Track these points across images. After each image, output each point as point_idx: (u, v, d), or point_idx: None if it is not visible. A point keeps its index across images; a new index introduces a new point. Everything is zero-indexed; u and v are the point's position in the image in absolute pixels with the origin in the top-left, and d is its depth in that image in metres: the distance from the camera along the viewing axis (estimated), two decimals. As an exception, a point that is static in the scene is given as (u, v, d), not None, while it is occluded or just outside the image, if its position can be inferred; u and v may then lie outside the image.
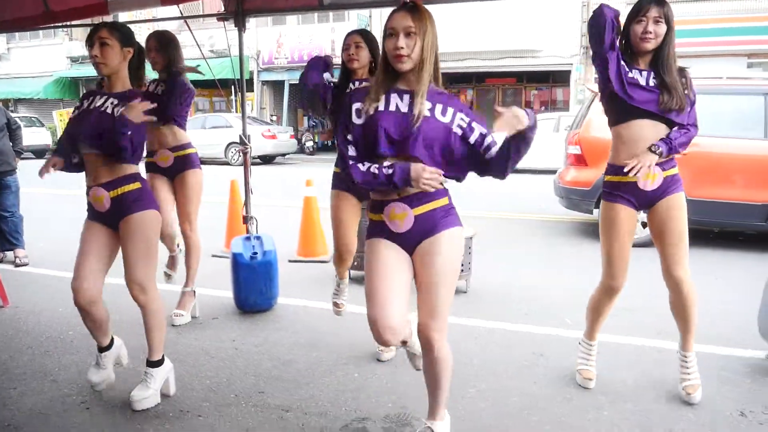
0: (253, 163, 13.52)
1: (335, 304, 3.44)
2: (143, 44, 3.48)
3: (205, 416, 2.64)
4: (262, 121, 17.60)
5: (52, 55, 22.27)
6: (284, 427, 2.54)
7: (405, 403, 2.72)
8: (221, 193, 6.77)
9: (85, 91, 2.88)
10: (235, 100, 17.35)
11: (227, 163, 15.77)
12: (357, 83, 3.03)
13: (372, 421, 2.57)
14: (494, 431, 2.50)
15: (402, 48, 1.96)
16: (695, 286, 2.71)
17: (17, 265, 5.26)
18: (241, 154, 4.15)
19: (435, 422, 2.23)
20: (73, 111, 2.75)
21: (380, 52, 2.59)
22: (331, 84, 3.08)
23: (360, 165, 2.04)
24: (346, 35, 3.10)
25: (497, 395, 2.81)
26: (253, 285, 3.93)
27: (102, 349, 2.77)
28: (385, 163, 2.01)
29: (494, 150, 2.08)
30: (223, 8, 3.97)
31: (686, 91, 2.56)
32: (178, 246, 4.00)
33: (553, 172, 12.44)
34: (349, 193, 3.10)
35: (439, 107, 2.04)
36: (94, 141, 2.57)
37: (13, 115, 6.36)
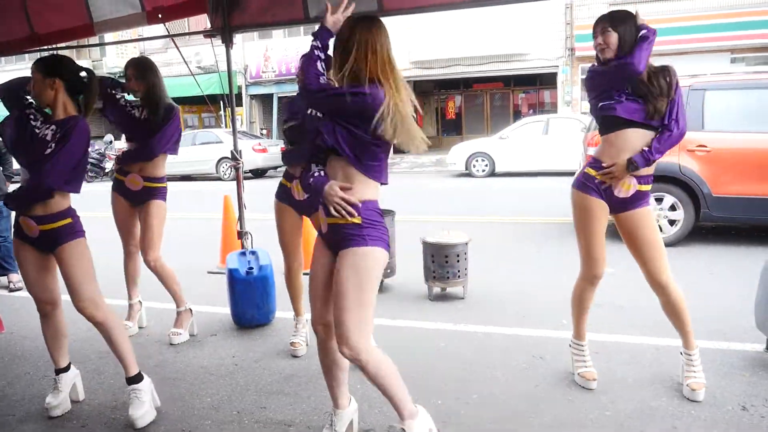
0: (245, 177, 13.47)
1: (291, 344, 3.49)
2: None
3: (208, 434, 2.62)
4: (252, 135, 17.60)
5: (38, 78, 22.20)
6: (287, 441, 2.53)
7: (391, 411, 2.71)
8: (214, 209, 6.76)
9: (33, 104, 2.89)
10: (225, 116, 17.35)
11: (219, 179, 15.75)
12: None
13: (375, 432, 2.57)
14: (498, 436, 2.50)
15: None
16: (679, 287, 2.77)
17: (11, 290, 5.22)
18: (233, 169, 4.15)
19: (404, 422, 2.21)
20: (16, 116, 2.71)
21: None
22: None
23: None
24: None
25: (498, 400, 2.81)
26: (250, 300, 3.92)
27: (58, 371, 2.87)
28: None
29: None
30: (209, 25, 3.97)
31: (669, 90, 2.62)
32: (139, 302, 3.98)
33: (544, 174, 12.58)
34: (291, 206, 3.29)
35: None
36: (27, 166, 2.60)
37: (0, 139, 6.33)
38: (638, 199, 2.72)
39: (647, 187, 2.73)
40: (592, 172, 2.74)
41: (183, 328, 3.79)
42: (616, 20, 2.65)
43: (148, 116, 3.51)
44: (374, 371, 2.14)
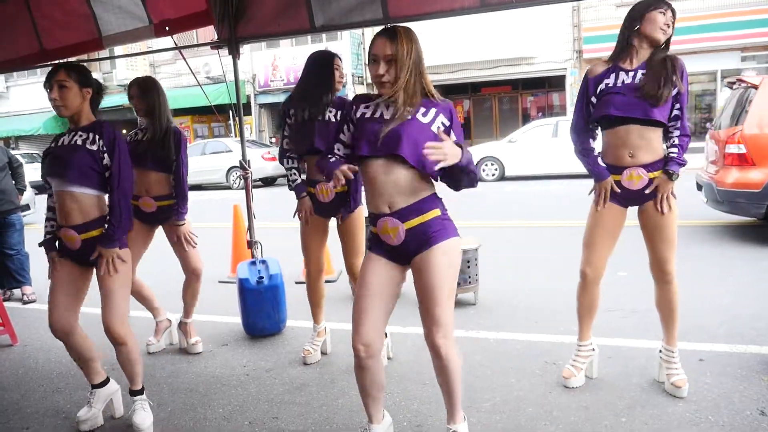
0: (255, 186, 13.52)
1: (303, 350, 3.50)
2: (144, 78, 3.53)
3: (220, 446, 2.62)
4: (261, 144, 17.68)
5: (50, 91, 22.46)
6: (300, 452, 2.52)
7: (420, 421, 2.70)
8: (224, 218, 6.78)
9: (56, 134, 2.91)
10: (234, 125, 17.43)
11: (229, 188, 15.83)
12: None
13: (388, 441, 2.55)
14: (512, 444, 2.47)
15: (383, 75, 2.09)
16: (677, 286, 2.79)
17: (25, 303, 5.26)
18: (242, 179, 4.15)
19: (457, 425, 2.29)
20: (44, 155, 2.76)
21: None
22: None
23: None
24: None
25: (511, 407, 2.78)
26: (261, 309, 3.92)
27: (93, 386, 2.86)
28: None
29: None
30: (216, 36, 4.00)
31: (674, 79, 2.59)
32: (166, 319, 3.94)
33: (554, 177, 12.51)
34: (316, 213, 3.30)
35: (422, 110, 2.14)
36: (65, 173, 2.60)
37: (14, 152, 6.41)
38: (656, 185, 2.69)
39: (658, 173, 2.68)
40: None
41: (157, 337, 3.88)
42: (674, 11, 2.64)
43: (148, 137, 3.44)
44: (454, 366, 2.18)
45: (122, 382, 3.06)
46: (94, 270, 2.70)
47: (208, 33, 4.41)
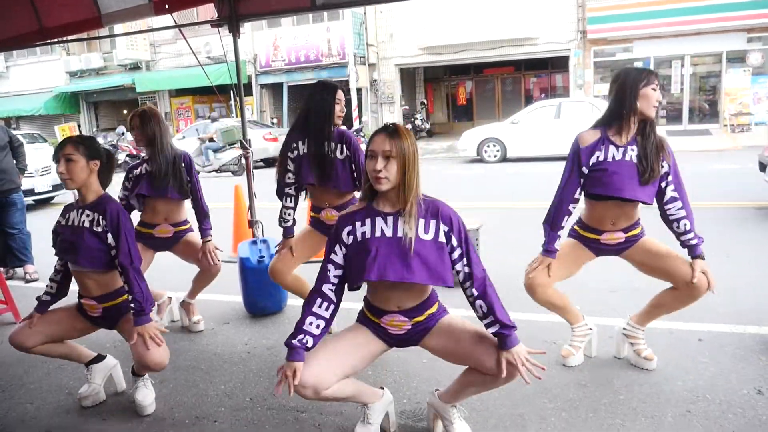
0: (256, 166, 13.53)
1: None
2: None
3: (221, 421, 2.65)
4: (262, 124, 17.61)
5: (50, 71, 22.36)
6: (300, 428, 2.55)
7: (419, 399, 2.72)
8: (226, 199, 6.79)
9: (65, 205, 2.83)
10: (234, 105, 17.36)
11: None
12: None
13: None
14: (509, 421, 2.49)
15: (380, 170, 2.02)
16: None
17: (27, 281, 5.29)
18: (243, 158, 4.14)
19: (452, 405, 2.38)
20: (54, 231, 2.77)
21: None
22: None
23: (317, 300, 2.14)
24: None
25: (510, 384, 2.79)
26: (262, 288, 3.93)
27: (87, 364, 2.91)
28: (303, 339, 2.10)
29: (469, 289, 2.21)
30: (216, 14, 3.96)
31: (662, 164, 2.67)
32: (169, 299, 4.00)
33: (556, 159, 12.46)
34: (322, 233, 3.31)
35: (422, 224, 2.10)
36: (76, 259, 2.65)
37: (15, 132, 6.39)
38: (632, 240, 2.81)
39: (637, 231, 2.82)
40: (582, 232, 2.91)
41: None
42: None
43: (154, 168, 3.45)
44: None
45: (120, 357, 3.09)
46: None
47: (209, 11, 4.37)
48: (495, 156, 13.19)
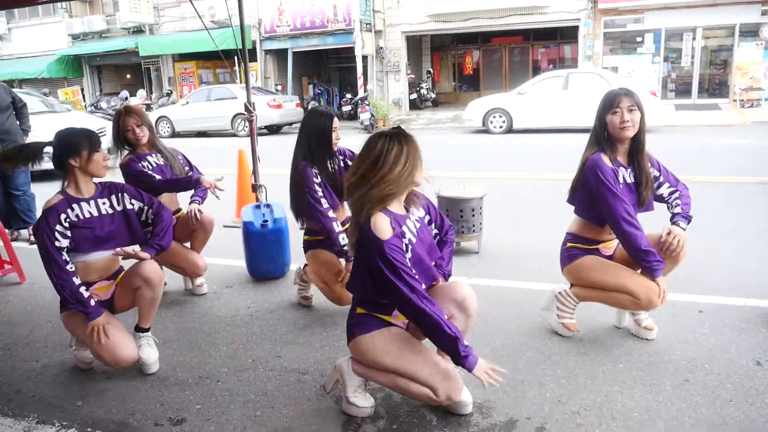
0: (260, 134, 13.46)
1: (305, 297, 3.55)
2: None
3: (224, 381, 2.68)
4: (267, 91, 17.44)
5: (53, 34, 22.09)
6: (302, 389, 2.58)
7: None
8: (229, 164, 6.76)
9: (48, 206, 2.62)
10: (239, 71, 17.18)
11: (234, 135, 15.72)
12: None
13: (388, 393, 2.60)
14: (509, 387, 2.51)
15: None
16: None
17: (32, 243, 5.31)
18: (247, 123, 4.12)
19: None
20: (54, 230, 2.59)
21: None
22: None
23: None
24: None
25: (511, 351, 2.83)
26: (265, 253, 3.95)
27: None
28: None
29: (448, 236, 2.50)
30: (220, -27, 3.88)
31: (651, 178, 2.80)
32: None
33: (563, 131, 12.35)
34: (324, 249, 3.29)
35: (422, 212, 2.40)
36: (125, 243, 2.76)
37: (18, 92, 6.35)
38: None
39: None
40: (579, 245, 2.93)
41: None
42: (640, 105, 2.71)
43: (165, 162, 3.61)
44: None
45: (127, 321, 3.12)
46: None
47: (213, -29, 4.28)
48: (501, 127, 13.07)
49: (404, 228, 2.18)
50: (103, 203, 2.74)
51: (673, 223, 2.74)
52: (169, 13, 20.57)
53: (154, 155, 3.61)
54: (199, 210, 3.69)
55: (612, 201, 2.65)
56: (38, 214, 5.43)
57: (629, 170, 2.78)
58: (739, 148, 9.36)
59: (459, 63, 22.09)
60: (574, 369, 2.64)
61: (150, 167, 3.55)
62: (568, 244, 2.98)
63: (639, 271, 2.76)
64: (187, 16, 19.49)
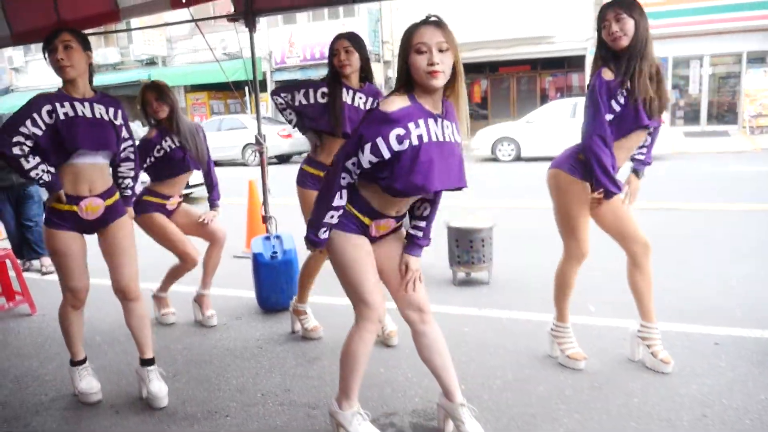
0: (270, 163, 13.55)
1: (312, 329, 3.51)
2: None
3: (233, 416, 2.65)
4: (277, 121, 17.65)
5: (68, 66, 22.56)
6: (312, 424, 2.55)
7: (431, 397, 2.70)
8: (240, 194, 6.81)
9: (43, 95, 2.64)
10: (250, 101, 17.42)
11: (244, 164, 15.87)
12: (351, 92, 3.12)
13: (399, 416, 2.57)
14: (521, 421, 2.47)
15: (437, 64, 1.96)
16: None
17: (43, 273, 5.34)
18: (257, 154, 4.15)
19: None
20: (63, 122, 2.57)
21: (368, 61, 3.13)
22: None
23: (336, 194, 2.13)
24: (332, 40, 3.12)
25: (523, 385, 2.79)
26: (275, 284, 3.94)
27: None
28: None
29: None
30: (232, 9, 3.97)
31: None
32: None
33: (572, 158, 12.34)
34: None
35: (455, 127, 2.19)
36: (106, 149, 2.69)
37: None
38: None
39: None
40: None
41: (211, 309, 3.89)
42: (628, 6, 2.59)
43: (179, 142, 3.59)
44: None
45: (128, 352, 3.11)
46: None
47: (225, 6, 4.39)
48: (509, 155, 13.11)
49: (421, 121, 2.02)
50: (100, 107, 2.69)
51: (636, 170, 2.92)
52: (181, 46, 21.00)
53: (170, 138, 3.58)
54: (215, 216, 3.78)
55: (593, 114, 2.64)
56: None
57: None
58: (750, 174, 9.32)
59: (467, 92, 22.20)
60: (588, 403, 2.59)
61: (168, 149, 3.58)
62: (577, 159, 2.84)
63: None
64: (199, 48, 19.88)
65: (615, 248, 2.90)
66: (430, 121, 2.05)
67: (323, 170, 3.27)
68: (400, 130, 1.99)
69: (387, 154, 2.00)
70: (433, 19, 2.01)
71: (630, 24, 2.57)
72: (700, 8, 14.77)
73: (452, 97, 2.14)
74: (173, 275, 3.84)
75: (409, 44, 2.00)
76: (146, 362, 2.83)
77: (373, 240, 2.28)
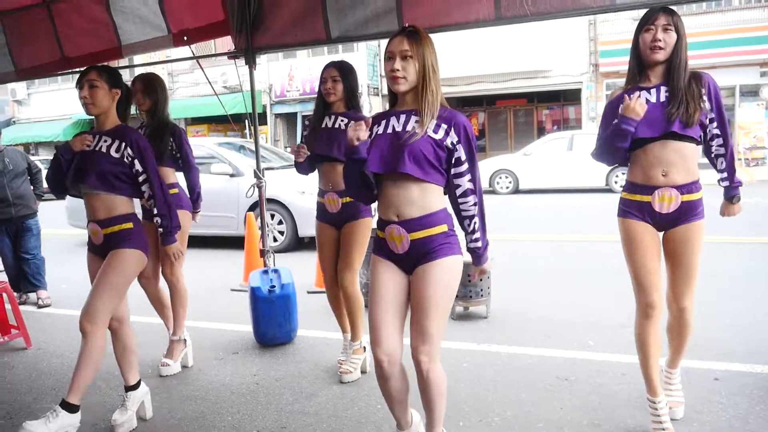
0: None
1: (339, 362, 3.46)
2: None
3: (228, 454, 2.61)
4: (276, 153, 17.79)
5: (70, 98, 22.69)
6: (307, 462, 2.51)
7: None
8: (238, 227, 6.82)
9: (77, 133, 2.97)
10: (249, 134, 17.57)
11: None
12: (333, 116, 3.23)
13: None
14: (522, 460, 2.44)
15: (398, 70, 2.08)
16: (694, 314, 2.62)
17: (40, 306, 5.31)
18: (255, 188, 4.17)
19: None
20: (61, 157, 2.81)
21: (357, 85, 3.19)
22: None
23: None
24: (323, 68, 3.26)
25: (522, 422, 2.75)
26: (272, 318, 3.92)
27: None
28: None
29: (463, 205, 2.21)
30: (233, 47, 4.04)
31: (702, 100, 2.39)
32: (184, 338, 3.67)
33: (569, 191, 12.44)
34: (326, 223, 3.33)
35: (433, 124, 2.12)
36: (90, 180, 2.73)
37: (33, 158, 6.50)
38: (689, 210, 2.45)
39: (695, 196, 2.45)
40: (630, 196, 2.53)
41: (174, 359, 3.59)
42: (679, 26, 2.37)
43: (151, 135, 3.44)
44: (436, 384, 2.17)
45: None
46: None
47: (226, 43, 4.46)
48: (507, 187, 13.20)
49: (384, 121, 2.18)
50: (105, 141, 2.76)
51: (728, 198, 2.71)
52: (182, 79, 21.27)
53: (143, 129, 3.52)
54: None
55: (600, 131, 2.66)
56: (47, 278, 5.50)
57: (658, 88, 2.44)
58: (747, 206, 9.33)
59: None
60: (588, 441, 2.56)
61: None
62: (622, 194, 2.61)
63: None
64: (200, 81, 20.12)
65: (616, 284, 2.89)
66: (393, 118, 2.17)
67: (320, 196, 3.33)
68: (372, 129, 2.20)
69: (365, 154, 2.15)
70: (409, 29, 2.13)
71: (673, 38, 2.37)
72: (694, 43, 14.90)
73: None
74: (174, 311, 3.67)
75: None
76: (128, 388, 2.90)
77: (404, 261, 2.16)
